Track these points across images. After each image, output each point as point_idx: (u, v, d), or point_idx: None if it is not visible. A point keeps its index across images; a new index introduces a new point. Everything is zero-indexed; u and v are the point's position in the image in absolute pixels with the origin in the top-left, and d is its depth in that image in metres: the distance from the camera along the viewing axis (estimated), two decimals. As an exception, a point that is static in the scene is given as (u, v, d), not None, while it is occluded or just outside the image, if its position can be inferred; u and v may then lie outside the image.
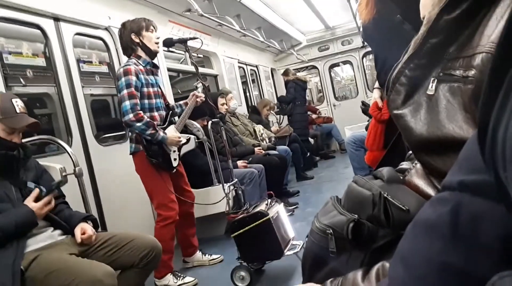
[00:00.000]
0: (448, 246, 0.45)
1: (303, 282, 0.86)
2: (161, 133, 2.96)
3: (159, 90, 3.13)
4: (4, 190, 2.00)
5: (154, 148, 2.96)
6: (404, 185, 0.83)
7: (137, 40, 3.01)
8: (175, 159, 3.09)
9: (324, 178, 6.46)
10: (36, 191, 2.04)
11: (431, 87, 0.74)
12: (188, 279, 3.03)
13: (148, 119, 2.89)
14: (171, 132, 3.06)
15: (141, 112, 2.86)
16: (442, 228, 0.46)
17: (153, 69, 3.11)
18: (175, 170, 3.12)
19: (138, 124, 2.84)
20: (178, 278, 3.02)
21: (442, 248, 0.45)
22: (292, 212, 4.49)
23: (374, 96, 2.48)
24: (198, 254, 3.45)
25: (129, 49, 3.05)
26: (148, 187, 3.04)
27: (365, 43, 9.03)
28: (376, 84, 2.52)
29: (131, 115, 2.82)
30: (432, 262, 0.46)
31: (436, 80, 0.74)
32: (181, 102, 3.36)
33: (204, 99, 3.28)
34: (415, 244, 0.49)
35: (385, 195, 0.77)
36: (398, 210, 0.75)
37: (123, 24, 3.07)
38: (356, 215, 0.80)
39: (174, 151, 3.09)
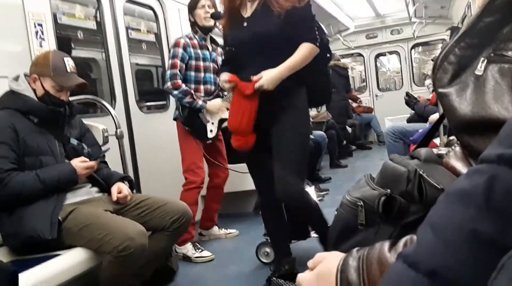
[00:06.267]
0: (480, 215, 0.45)
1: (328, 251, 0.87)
2: (200, 102, 3.05)
3: (213, 65, 3.21)
4: (48, 143, 2.08)
5: (189, 117, 3.08)
6: (441, 166, 0.82)
7: (192, 19, 3.17)
8: (211, 131, 3.15)
9: (358, 168, 6.38)
10: (84, 158, 2.12)
11: (480, 67, 0.72)
12: (206, 253, 3.09)
13: (186, 88, 3.02)
14: (215, 102, 3.13)
15: (179, 81, 3.01)
16: (476, 197, 0.46)
17: (212, 45, 3.25)
18: (210, 141, 3.18)
19: (175, 92, 3.02)
20: (197, 250, 3.09)
21: (474, 216, 0.46)
22: (322, 197, 4.48)
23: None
24: (215, 228, 3.55)
25: (192, 28, 3.21)
26: (181, 151, 3.19)
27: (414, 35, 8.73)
28: None
29: (168, 83, 3.02)
30: (463, 229, 0.46)
31: (486, 61, 0.72)
32: None
33: None
34: (447, 211, 0.50)
35: (421, 172, 0.76)
36: (433, 188, 0.74)
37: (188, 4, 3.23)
38: (388, 190, 0.80)
39: (213, 123, 3.14)
